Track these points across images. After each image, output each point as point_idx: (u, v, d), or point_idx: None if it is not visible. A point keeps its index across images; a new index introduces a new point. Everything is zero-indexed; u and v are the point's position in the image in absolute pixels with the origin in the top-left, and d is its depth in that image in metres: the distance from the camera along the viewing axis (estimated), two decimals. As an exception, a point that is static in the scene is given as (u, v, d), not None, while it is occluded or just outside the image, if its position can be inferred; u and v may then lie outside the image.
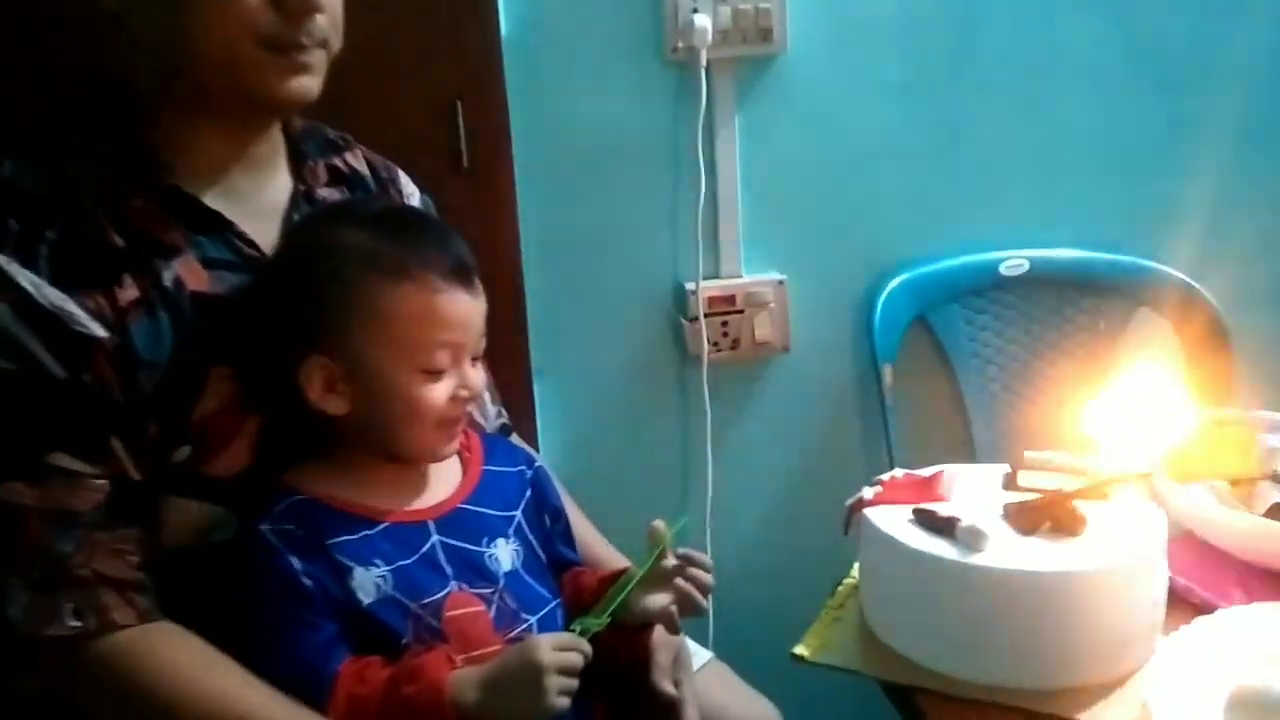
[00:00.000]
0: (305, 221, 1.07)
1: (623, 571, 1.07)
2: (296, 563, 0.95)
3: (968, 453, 1.73)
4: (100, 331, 0.95)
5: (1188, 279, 1.73)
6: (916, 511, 1.04)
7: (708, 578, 1.06)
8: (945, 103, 1.68)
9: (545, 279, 1.61)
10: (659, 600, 1.04)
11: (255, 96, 1.00)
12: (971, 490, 1.09)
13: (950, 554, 0.99)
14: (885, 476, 1.12)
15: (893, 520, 1.05)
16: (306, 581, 0.95)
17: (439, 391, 1.00)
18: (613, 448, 1.71)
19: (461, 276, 1.01)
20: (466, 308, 1.02)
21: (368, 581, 0.97)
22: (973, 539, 0.99)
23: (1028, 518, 1.03)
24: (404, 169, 1.23)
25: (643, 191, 1.63)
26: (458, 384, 1.01)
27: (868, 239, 1.71)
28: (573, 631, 0.99)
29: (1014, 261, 1.71)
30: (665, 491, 1.74)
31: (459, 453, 1.09)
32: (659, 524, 1.05)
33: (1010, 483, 1.10)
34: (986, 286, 1.71)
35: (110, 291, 0.96)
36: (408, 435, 1.02)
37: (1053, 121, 1.71)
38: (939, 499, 1.07)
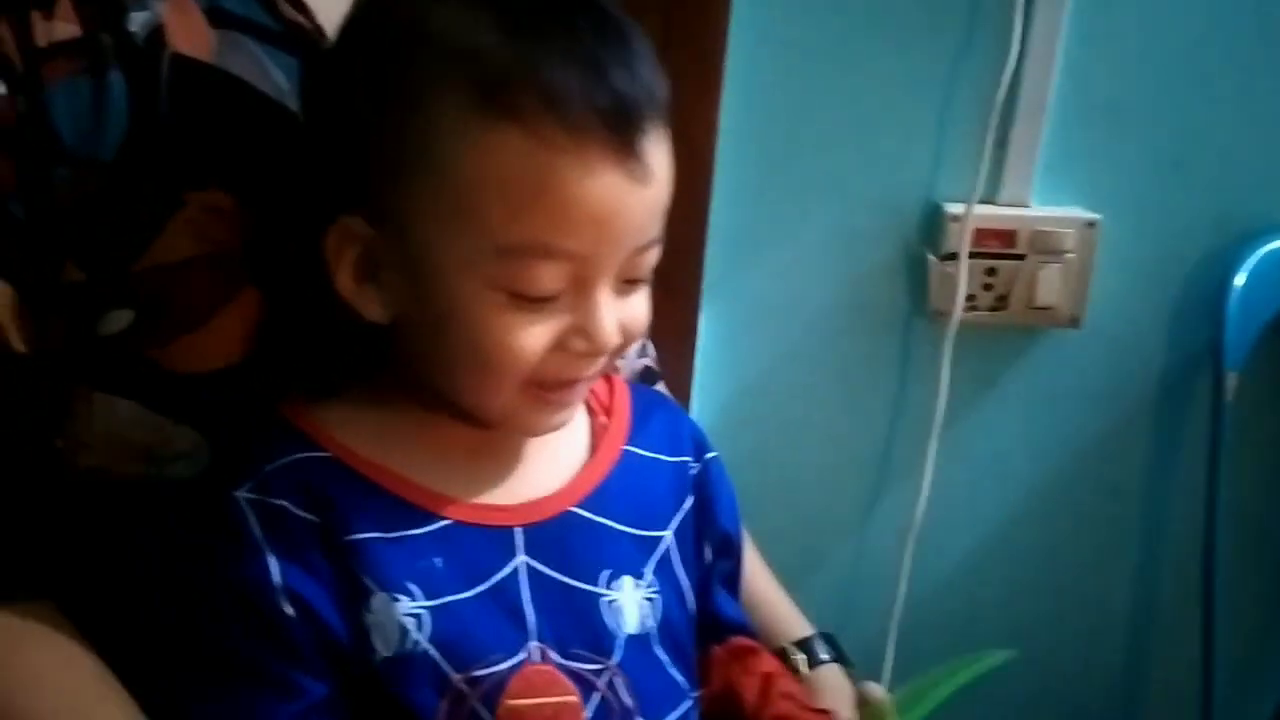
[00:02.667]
0: None
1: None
2: (276, 568, 0.69)
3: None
4: None
5: None
6: None
7: None
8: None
9: (741, 163, 1.34)
10: None
11: None
12: None
13: None
14: None
15: None
16: (287, 608, 0.69)
17: (534, 335, 0.70)
18: (793, 417, 1.45)
19: (620, 133, 0.69)
20: (613, 194, 0.69)
21: (391, 619, 0.70)
22: None
23: None
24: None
25: (911, 58, 1.35)
26: (573, 326, 0.71)
27: (1232, 181, 1.40)
28: None
29: None
30: (859, 491, 1.48)
31: (590, 415, 0.82)
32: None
33: None
34: (1399, 279, 1.38)
35: (23, 20, 0.72)
36: (474, 388, 0.73)
37: None
38: None
